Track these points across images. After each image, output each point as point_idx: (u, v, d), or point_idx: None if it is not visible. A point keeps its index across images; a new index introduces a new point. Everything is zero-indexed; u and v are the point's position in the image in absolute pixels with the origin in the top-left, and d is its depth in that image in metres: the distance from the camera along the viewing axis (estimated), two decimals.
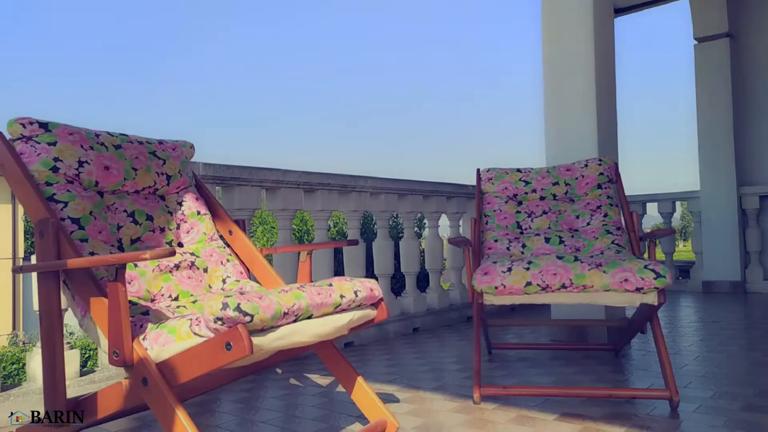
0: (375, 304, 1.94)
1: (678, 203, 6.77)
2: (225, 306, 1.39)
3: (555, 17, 3.76)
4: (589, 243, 2.83)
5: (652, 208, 6.97)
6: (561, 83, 3.68)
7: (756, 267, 6.05)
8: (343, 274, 4.43)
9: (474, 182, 4.74)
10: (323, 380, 2.81)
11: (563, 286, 2.22)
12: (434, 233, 4.64)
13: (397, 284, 8.31)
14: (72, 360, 2.51)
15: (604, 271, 2.19)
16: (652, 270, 2.15)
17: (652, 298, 2.18)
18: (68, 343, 2.63)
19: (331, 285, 1.78)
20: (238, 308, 1.39)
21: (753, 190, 6.07)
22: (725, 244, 6.12)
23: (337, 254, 7.62)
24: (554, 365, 2.96)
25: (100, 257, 1.45)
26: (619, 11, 7.70)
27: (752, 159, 6.23)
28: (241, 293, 1.47)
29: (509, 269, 2.28)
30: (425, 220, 4.72)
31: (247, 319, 1.41)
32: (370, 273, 6.28)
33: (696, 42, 6.30)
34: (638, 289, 2.16)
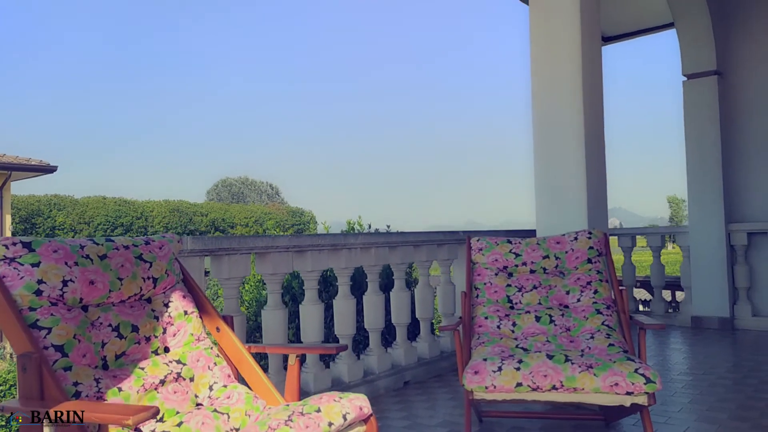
0: (365, 420, 1.92)
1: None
2: None
3: (545, 56, 3.76)
4: (580, 323, 2.82)
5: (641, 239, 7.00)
6: (552, 144, 3.68)
7: (744, 303, 6.09)
8: (333, 319, 4.42)
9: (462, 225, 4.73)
10: None
11: (554, 387, 2.21)
12: (425, 282, 4.63)
13: (386, 316, 8.25)
14: None
15: (594, 374, 2.18)
16: (642, 375, 2.14)
17: (642, 400, 2.18)
18: None
19: (319, 411, 1.77)
20: None
21: (741, 227, 6.11)
22: (714, 280, 6.15)
23: (328, 293, 7.57)
24: None
25: (82, 415, 1.42)
26: (608, 39, 7.76)
27: (741, 196, 6.27)
28: None
29: (500, 368, 2.27)
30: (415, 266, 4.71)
31: None
32: (360, 309, 6.23)
33: (685, 78, 6.34)
34: (629, 393, 2.16)
